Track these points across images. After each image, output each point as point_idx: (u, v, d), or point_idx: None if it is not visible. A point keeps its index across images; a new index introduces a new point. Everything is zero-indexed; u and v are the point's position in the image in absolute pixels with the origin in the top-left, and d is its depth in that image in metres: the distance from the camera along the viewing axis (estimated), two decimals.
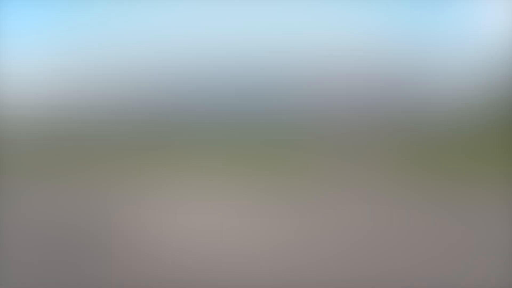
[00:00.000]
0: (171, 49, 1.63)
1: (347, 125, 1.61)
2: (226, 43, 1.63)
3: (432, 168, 1.60)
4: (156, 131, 1.62)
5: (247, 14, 1.62)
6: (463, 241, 1.64)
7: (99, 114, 1.61)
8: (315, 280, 1.65)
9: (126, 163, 1.62)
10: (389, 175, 1.60)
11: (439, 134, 1.59)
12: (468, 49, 1.62)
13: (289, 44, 1.62)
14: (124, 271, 1.65)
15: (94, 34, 1.62)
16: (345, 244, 1.65)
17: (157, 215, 1.65)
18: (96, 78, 1.63)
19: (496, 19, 1.62)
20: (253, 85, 1.62)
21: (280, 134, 1.61)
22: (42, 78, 1.63)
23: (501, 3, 1.63)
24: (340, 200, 1.64)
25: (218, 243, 1.65)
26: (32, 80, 1.63)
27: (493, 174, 1.63)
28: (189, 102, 1.61)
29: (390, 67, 1.62)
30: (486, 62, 1.62)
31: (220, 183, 1.63)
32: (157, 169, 1.62)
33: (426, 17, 1.62)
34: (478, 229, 1.64)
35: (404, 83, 1.62)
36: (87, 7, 1.62)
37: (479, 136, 1.62)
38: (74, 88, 1.63)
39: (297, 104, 1.60)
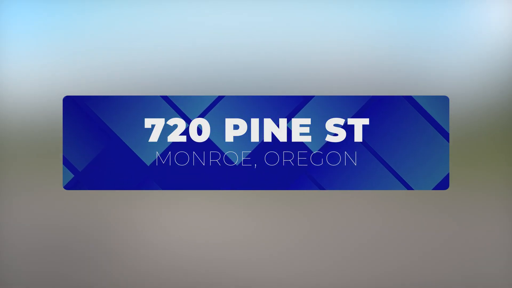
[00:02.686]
0: (173, 51, 1.63)
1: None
2: (227, 45, 1.63)
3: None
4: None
5: (249, 17, 1.63)
6: (463, 242, 1.64)
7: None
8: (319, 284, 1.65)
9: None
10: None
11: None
12: (468, 49, 1.62)
13: (290, 46, 1.62)
14: (124, 272, 1.65)
15: (96, 35, 1.62)
16: (349, 248, 1.65)
17: (156, 217, 1.65)
18: (96, 78, 1.63)
19: (496, 19, 1.62)
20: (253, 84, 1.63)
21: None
22: (42, 78, 1.63)
23: (501, 3, 1.63)
24: (343, 202, 1.64)
25: (218, 246, 1.65)
26: (32, 80, 1.63)
27: (493, 174, 1.62)
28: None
29: (390, 68, 1.62)
30: (486, 62, 1.62)
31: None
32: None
33: (426, 18, 1.62)
34: (479, 231, 1.64)
35: (404, 84, 1.62)
36: (89, 10, 1.63)
37: (479, 136, 1.62)
38: (73, 89, 1.63)
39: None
